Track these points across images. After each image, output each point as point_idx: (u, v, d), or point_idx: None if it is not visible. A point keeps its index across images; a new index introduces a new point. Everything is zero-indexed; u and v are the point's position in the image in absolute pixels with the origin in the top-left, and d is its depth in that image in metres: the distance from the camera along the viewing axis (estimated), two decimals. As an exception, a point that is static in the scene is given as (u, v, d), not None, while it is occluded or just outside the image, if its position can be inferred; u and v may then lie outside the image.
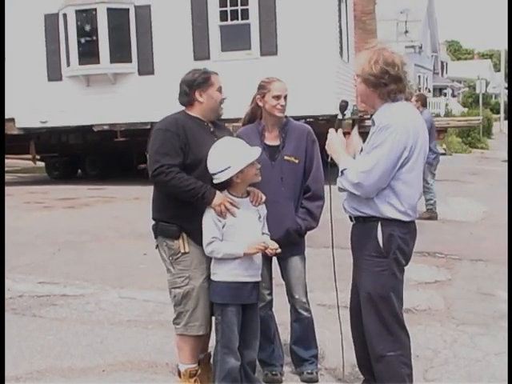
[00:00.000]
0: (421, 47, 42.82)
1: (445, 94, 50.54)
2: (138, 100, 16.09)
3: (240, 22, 15.73)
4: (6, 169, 22.23)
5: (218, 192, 3.94)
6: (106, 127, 16.58)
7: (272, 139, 4.40)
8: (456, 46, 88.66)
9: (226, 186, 3.99)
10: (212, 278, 4.01)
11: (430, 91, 47.75)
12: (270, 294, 4.48)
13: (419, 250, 8.05)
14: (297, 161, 4.36)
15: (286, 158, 4.34)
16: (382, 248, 3.66)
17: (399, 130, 3.54)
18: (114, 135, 16.78)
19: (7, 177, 20.89)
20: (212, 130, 4.16)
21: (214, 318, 4.10)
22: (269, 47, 15.43)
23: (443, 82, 54.42)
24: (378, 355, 3.77)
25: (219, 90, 4.16)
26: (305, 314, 4.46)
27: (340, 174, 3.73)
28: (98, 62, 16.26)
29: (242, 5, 15.63)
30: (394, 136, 3.53)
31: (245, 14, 15.66)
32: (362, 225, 3.76)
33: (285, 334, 4.71)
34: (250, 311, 4.05)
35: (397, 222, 3.65)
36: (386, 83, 3.62)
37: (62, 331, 5.66)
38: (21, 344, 5.35)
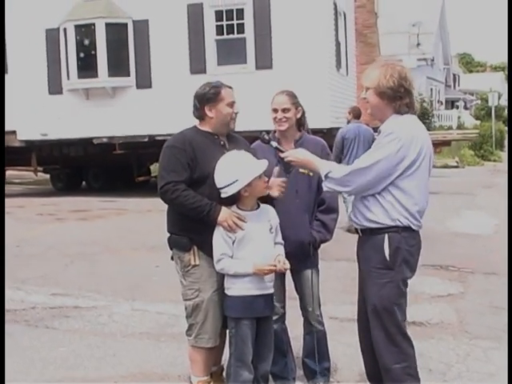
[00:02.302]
0: (433, 60, 42.81)
1: (457, 107, 50.43)
2: (136, 113, 16.34)
3: (236, 36, 15.92)
4: (17, 181, 22.54)
5: (223, 208, 3.94)
6: (104, 140, 16.80)
7: (286, 153, 4.41)
8: (468, 58, 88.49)
9: (234, 200, 3.99)
10: (226, 292, 4.01)
11: (442, 104, 47.71)
12: (283, 306, 4.48)
13: (432, 263, 8.05)
14: (311, 174, 4.36)
15: (300, 170, 4.35)
16: (388, 260, 3.70)
17: (401, 138, 3.61)
18: (113, 148, 16.96)
19: (18, 188, 21.08)
20: (223, 143, 4.16)
21: (227, 331, 4.10)
22: (264, 61, 15.60)
23: (455, 94, 54.34)
24: (385, 368, 3.81)
25: (230, 104, 4.14)
26: (318, 326, 4.45)
27: (324, 178, 3.79)
28: (97, 76, 16.49)
29: (237, 19, 15.83)
30: (396, 143, 3.61)
31: (240, 28, 15.86)
32: (369, 237, 3.79)
33: (297, 347, 4.70)
34: (264, 324, 4.05)
35: (403, 234, 3.69)
36: (402, 96, 3.72)
37: (75, 343, 5.68)
38: (33, 356, 5.37)
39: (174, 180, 3.96)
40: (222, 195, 3.95)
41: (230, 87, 4.21)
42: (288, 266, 3.98)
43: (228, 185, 3.90)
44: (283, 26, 15.31)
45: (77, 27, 16.50)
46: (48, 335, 5.91)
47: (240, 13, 15.75)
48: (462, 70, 67.55)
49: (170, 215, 4.18)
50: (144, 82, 16.47)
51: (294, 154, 3.99)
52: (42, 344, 5.66)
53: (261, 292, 3.96)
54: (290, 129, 4.44)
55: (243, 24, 15.77)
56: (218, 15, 15.92)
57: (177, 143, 4.07)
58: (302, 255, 4.29)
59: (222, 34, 15.98)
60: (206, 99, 4.11)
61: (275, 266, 3.91)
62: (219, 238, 3.94)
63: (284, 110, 4.39)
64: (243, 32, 15.79)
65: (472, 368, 4.96)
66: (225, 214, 3.92)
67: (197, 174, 4.00)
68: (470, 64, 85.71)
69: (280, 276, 4.25)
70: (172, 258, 4.24)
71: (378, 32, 20.64)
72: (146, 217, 12.92)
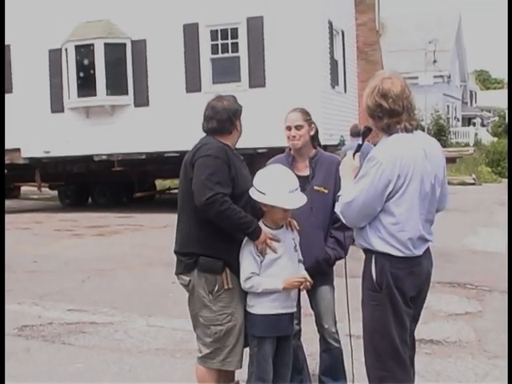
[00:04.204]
0: (449, 77, 42.75)
1: (474, 124, 50.26)
2: (134, 131, 16.63)
3: (230, 54, 16.19)
4: (35, 196, 22.74)
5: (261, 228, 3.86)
6: (104, 157, 17.13)
7: (302, 169, 4.42)
8: (485, 75, 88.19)
9: (260, 215, 3.94)
10: (249, 310, 3.93)
11: (458, 120, 47.59)
12: (299, 323, 4.46)
13: (449, 281, 7.99)
14: (326, 191, 4.36)
15: (315, 187, 4.35)
16: (375, 282, 3.52)
17: (383, 163, 3.39)
18: (112, 165, 17.23)
19: (35, 203, 21.20)
20: (242, 158, 4.14)
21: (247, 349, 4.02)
22: (257, 79, 15.86)
23: (472, 111, 54.15)
24: None
25: None
26: (334, 344, 4.44)
27: (336, 198, 3.65)
28: (96, 95, 16.79)
29: (232, 38, 16.11)
30: (377, 169, 3.40)
31: (234, 47, 16.13)
32: (365, 256, 3.62)
33: (313, 364, 4.68)
34: (284, 342, 4.00)
35: (388, 257, 3.47)
36: (380, 116, 3.50)
37: (91, 359, 5.68)
38: (50, 371, 5.37)
39: (222, 192, 3.75)
40: (250, 192, 3.88)
41: None
42: (312, 281, 3.96)
43: (256, 189, 3.86)
44: (276, 44, 15.59)
45: (77, 47, 16.92)
46: (64, 351, 5.92)
47: (234, 32, 16.07)
48: (478, 87, 67.32)
49: (197, 234, 3.90)
50: (141, 100, 16.82)
51: (345, 158, 3.75)
52: (58, 360, 5.67)
53: (286, 310, 3.92)
54: (304, 146, 4.43)
55: (237, 43, 16.07)
56: (213, 35, 16.26)
57: (221, 155, 3.86)
58: (317, 272, 4.28)
59: (217, 52, 16.28)
60: (238, 113, 4.08)
61: (303, 278, 3.90)
62: (249, 256, 3.86)
63: (297, 127, 4.38)
64: (237, 51, 16.08)
65: (491, 388, 4.90)
66: (264, 234, 3.82)
67: (238, 190, 3.86)
68: (487, 81, 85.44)
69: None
70: (189, 282, 3.98)
71: (381, 50, 20.68)
72: (161, 232, 12.93)
